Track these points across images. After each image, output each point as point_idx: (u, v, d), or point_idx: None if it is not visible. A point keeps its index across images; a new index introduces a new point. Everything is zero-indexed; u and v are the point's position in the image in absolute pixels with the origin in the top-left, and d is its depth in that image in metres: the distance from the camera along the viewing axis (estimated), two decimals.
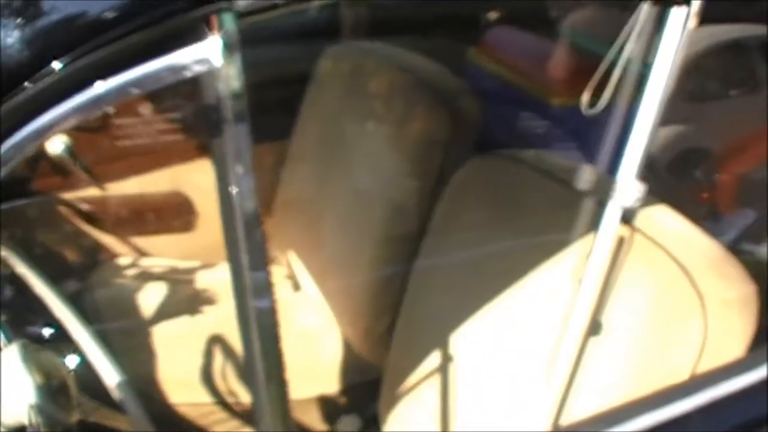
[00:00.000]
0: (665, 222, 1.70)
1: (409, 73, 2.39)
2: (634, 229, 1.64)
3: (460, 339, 1.92)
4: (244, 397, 2.25)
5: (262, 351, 1.04)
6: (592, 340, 1.64)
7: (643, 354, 1.56)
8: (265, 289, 1.05)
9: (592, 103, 1.35)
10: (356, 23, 2.81)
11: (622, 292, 1.61)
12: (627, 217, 1.67)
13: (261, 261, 1.03)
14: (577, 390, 1.64)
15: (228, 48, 1.09)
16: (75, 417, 1.49)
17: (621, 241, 1.64)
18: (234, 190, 1.07)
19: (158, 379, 2.24)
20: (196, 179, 2.75)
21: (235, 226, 1.03)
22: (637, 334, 1.58)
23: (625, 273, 1.62)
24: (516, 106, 2.72)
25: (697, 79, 5.40)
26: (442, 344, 1.95)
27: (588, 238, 1.68)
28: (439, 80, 2.33)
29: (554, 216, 1.71)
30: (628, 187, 1.27)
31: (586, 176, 1.43)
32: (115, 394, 1.75)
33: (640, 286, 1.59)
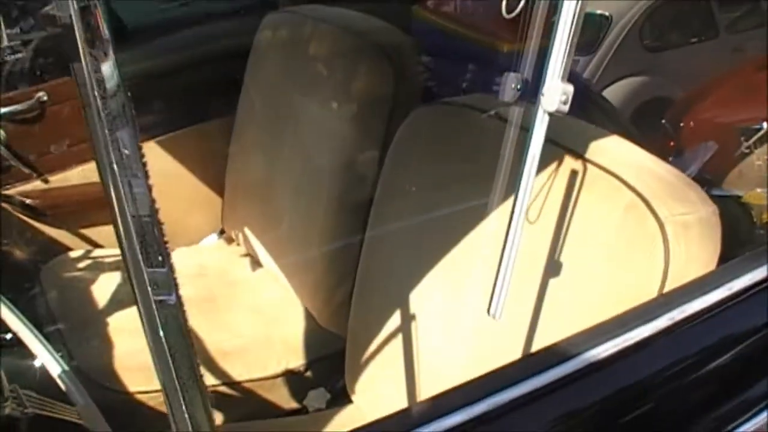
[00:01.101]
0: (618, 151, 1.61)
1: (349, 31, 2.29)
2: (585, 161, 1.56)
3: (418, 297, 1.83)
4: (206, 380, 2.16)
5: (171, 349, 0.93)
6: (553, 281, 1.57)
7: (606, 288, 1.47)
8: (168, 285, 0.93)
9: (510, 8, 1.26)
10: None
11: (580, 227, 1.53)
12: (577, 151, 1.60)
13: (159, 257, 0.91)
14: (542, 333, 1.57)
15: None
16: (8, 408, 1.41)
17: (574, 175, 1.57)
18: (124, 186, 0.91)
19: (115, 369, 2.14)
20: None
21: (127, 223, 0.90)
22: (598, 269, 1.49)
23: (581, 207, 1.53)
24: (465, 58, 2.63)
25: (656, 29, 5.38)
26: (401, 305, 1.87)
27: (546, 171, 1.61)
28: (379, 35, 2.24)
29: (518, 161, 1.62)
30: (552, 89, 1.18)
31: (509, 85, 1.34)
32: (61, 384, 1.67)
33: (597, 219, 1.50)
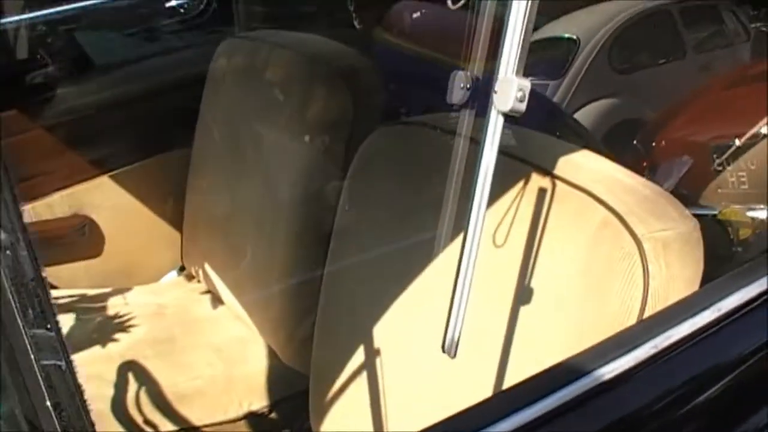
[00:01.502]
0: (588, 166, 1.47)
1: (304, 55, 2.16)
2: (554, 177, 1.42)
3: (382, 331, 1.68)
4: (162, 426, 1.99)
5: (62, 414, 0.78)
6: (524, 309, 1.42)
7: (582, 314, 1.33)
8: (56, 348, 0.78)
9: None
10: (249, 15, 2.57)
11: (551, 249, 1.39)
12: (545, 167, 1.46)
13: (45, 319, 0.76)
14: (514, 367, 1.42)
15: None
16: None
17: (542, 193, 1.42)
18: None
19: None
20: (95, 199, 2.49)
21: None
22: (572, 294, 1.34)
23: (552, 227, 1.39)
24: (427, 77, 2.49)
25: (624, 51, 5.29)
26: (364, 340, 1.71)
27: (512, 191, 1.47)
28: (336, 58, 2.11)
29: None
30: (506, 84, 1.03)
31: (457, 84, 1.20)
32: None
33: (570, 239, 1.36)
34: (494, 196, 1.47)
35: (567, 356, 1.27)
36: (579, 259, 1.34)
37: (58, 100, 2.45)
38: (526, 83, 1.03)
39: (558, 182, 1.41)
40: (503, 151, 1.52)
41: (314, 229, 2.00)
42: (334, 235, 1.86)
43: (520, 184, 1.45)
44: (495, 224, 1.46)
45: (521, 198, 1.44)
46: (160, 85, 2.61)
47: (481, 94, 1.15)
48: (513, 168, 1.48)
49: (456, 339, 1.11)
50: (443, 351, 1.12)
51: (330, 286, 1.87)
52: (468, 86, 1.17)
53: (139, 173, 2.52)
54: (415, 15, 2.69)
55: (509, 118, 1.06)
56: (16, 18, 2.60)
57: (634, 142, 4.10)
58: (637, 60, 5.43)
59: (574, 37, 5.13)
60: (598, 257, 1.31)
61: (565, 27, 5.25)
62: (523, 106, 1.03)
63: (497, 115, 1.05)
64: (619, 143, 4.53)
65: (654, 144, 3.95)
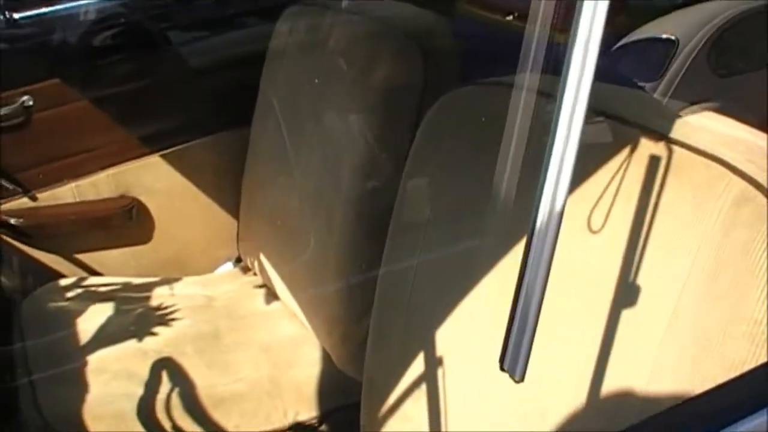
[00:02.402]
0: (712, 127, 1.08)
1: (370, 16, 1.81)
2: (670, 142, 1.03)
3: (445, 338, 1.32)
4: None
5: None
6: (628, 314, 1.03)
7: (705, 327, 0.94)
8: None
9: None
10: None
11: (667, 236, 1.00)
12: (655, 129, 1.07)
13: None
14: (612, 385, 1.03)
15: None
16: None
17: (655, 163, 1.04)
18: None
19: (84, 418, 1.65)
20: (146, 180, 2.17)
21: None
22: (694, 297, 0.96)
23: (667, 207, 1.01)
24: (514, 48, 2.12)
25: (725, 53, 4.80)
26: (424, 347, 1.35)
27: (613, 162, 1.09)
28: (405, 18, 1.76)
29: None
30: None
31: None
32: None
33: (692, 222, 0.97)
34: (589, 168, 1.10)
35: (682, 382, 0.89)
36: (705, 249, 0.95)
37: (106, 70, 2.14)
38: None
39: (675, 148, 1.02)
40: (599, 110, 1.16)
41: (376, 217, 1.64)
42: (393, 223, 1.50)
43: (625, 151, 1.07)
44: (590, 204, 1.09)
45: (626, 170, 1.06)
46: (220, 60, 2.28)
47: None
48: (614, 130, 1.10)
49: (522, 356, 0.73)
50: (501, 369, 0.75)
51: (386, 283, 1.51)
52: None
53: (193, 153, 2.20)
54: None
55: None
56: None
57: None
58: (738, 63, 4.92)
59: (673, 37, 4.66)
60: (732, 246, 0.92)
61: (663, 27, 4.79)
62: None
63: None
64: None
65: None
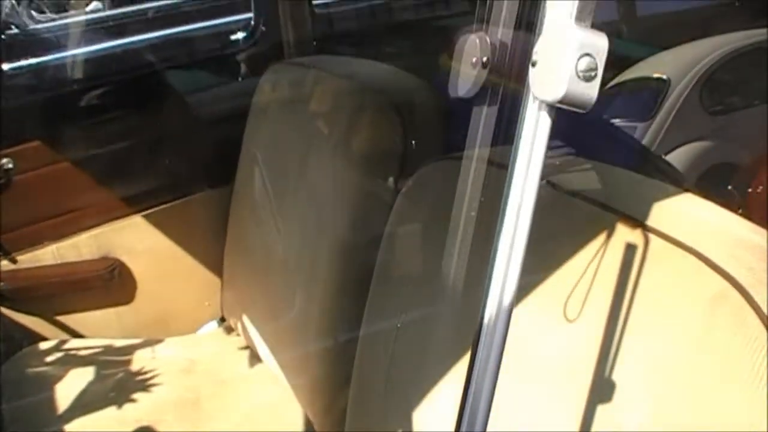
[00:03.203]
0: (693, 214, 1.06)
1: (352, 79, 1.79)
2: (647, 230, 1.00)
3: (428, 406, 1.28)
4: None
5: None
6: (603, 409, 1.00)
7: (683, 427, 0.90)
8: None
9: None
10: (299, 40, 2.20)
11: (643, 331, 0.97)
12: (634, 216, 1.04)
13: None
14: None
15: None
16: None
17: (631, 252, 1.01)
18: None
19: None
20: (128, 241, 2.14)
21: None
22: (672, 396, 0.92)
23: (644, 300, 0.97)
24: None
25: (717, 92, 4.81)
26: (404, 415, 1.31)
27: (588, 249, 1.06)
28: (386, 82, 1.74)
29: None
30: (558, 39, 0.61)
31: (468, 56, 0.78)
32: None
33: (670, 319, 0.94)
34: (565, 253, 1.07)
35: None
36: (684, 346, 0.92)
37: (88, 131, 2.12)
38: (600, 41, 0.61)
39: (652, 236, 0.99)
40: (575, 192, 1.13)
41: (359, 278, 1.61)
42: (373, 285, 1.48)
43: (601, 237, 1.04)
44: (566, 292, 1.05)
45: (602, 257, 1.03)
46: (201, 118, 2.26)
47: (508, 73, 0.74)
48: (590, 215, 1.07)
49: None
50: None
51: (366, 348, 1.49)
52: (484, 61, 0.76)
53: (176, 213, 2.18)
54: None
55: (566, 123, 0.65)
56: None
57: (729, 187, 3.71)
58: (730, 101, 4.93)
59: (664, 77, 4.67)
60: (711, 344, 0.89)
61: (654, 66, 4.80)
62: (590, 91, 0.62)
63: (538, 106, 0.65)
64: (713, 189, 4.10)
65: (750, 189, 3.55)
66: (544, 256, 1.08)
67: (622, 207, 1.05)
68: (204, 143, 2.21)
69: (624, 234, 1.02)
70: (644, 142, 4.51)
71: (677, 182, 2.84)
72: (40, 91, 2.15)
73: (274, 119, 2.02)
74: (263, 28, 2.34)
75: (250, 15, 2.43)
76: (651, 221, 1.01)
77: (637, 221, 1.01)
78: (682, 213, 1.05)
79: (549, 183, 1.16)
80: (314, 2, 2.35)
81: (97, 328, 2.16)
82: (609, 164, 1.24)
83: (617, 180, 1.17)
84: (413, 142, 1.58)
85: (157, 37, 2.62)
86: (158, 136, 2.19)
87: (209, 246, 2.18)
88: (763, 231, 1.02)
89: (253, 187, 2.06)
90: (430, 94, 1.68)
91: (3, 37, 2.54)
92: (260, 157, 2.04)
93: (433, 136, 1.61)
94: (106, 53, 2.33)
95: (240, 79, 2.39)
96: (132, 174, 2.15)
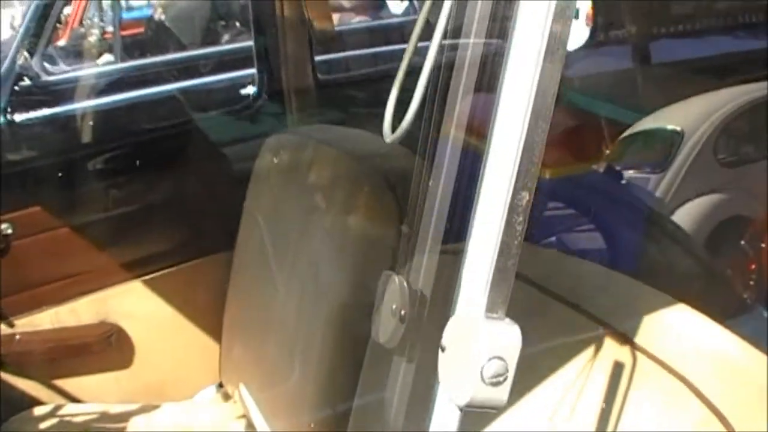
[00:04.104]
0: (682, 330, 1.03)
1: (350, 154, 1.78)
2: (634, 348, 0.98)
3: None
4: None
5: None
6: None
7: None
8: None
9: None
10: (301, 105, 2.21)
11: None
12: (622, 330, 1.02)
13: None
14: None
15: None
16: None
17: (618, 370, 0.98)
18: None
19: None
20: (126, 306, 2.14)
21: None
22: None
23: (632, 419, 0.95)
24: None
25: (730, 144, 4.78)
26: None
27: (575, 362, 1.04)
28: (383, 159, 1.72)
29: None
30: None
31: None
32: None
33: None
34: (552, 366, 1.05)
35: None
36: None
37: (88, 196, 2.12)
38: (513, 338, 0.60)
39: (639, 355, 0.97)
40: (566, 300, 1.12)
41: (355, 350, 1.59)
42: (367, 357, 1.47)
43: (590, 351, 1.02)
44: (553, 405, 1.03)
45: (590, 371, 1.01)
46: (203, 182, 2.26)
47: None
48: (579, 326, 1.06)
49: None
50: None
51: (359, 416, 1.47)
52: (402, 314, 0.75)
53: (176, 279, 2.17)
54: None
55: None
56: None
57: (742, 242, 3.69)
58: (744, 153, 4.90)
59: (678, 128, 4.65)
60: None
61: (668, 118, 4.78)
62: (499, 395, 0.60)
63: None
64: (726, 243, 4.06)
65: (763, 245, 3.52)
66: (532, 363, 1.06)
67: (612, 321, 1.03)
68: (204, 210, 2.20)
69: (613, 350, 1.00)
70: (657, 194, 4.48)
71: (682, 244, 2.82)
72: (41, 154, 2.16)
73: (275, 186, 2.02)
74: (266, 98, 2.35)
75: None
76: (640, 338, 0.99)
77: (627, 337, 0.99)
78: (672, 329, 1.03)
79: (535, 284, 1.15)
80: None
81: (95, 392, 2.15)
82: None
83: (609, 286, 1.15)
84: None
85: (165, 92, 2.64)
86: (158, 203, 2.19)
87: (208, 311, 2.17)
88: (749, 347, 1.00)
89: (253, 253, 2.05)
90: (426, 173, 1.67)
91: (16, 88, 2.57)
92: (261, 223, 2.03)
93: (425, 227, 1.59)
94: (109, 114, 2.33)
95: (242, 143, 2.39)
96: (132, 239, 2.15)
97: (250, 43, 2.49)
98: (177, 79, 2.90)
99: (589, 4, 3.27)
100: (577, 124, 2.27)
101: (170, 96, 2.49)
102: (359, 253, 1.63)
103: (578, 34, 3.50)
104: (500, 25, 0.79)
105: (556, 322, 1.10)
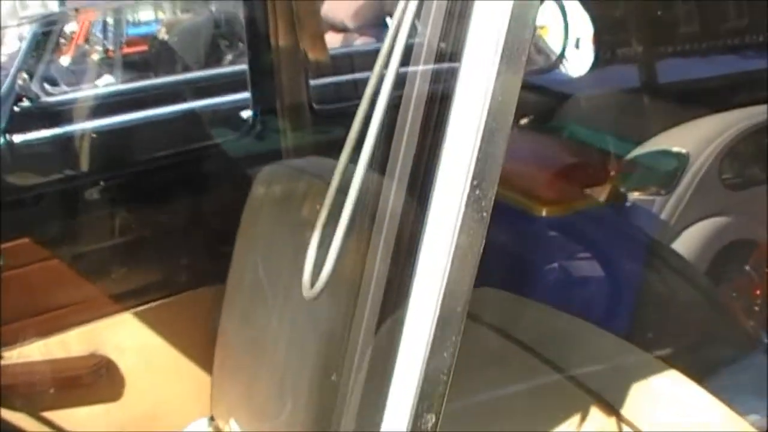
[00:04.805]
0: (669, 398, 0.98)
1: (344, 190, 1.74)
2: (621, 420, 0.93)
3: None
4: None
5: None
6: None
7: None
8: None
9: None
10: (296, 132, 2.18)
11: None
12: (609, 400, 0.97)
13: None
14: None
15: None
16: None
17: None
18: None
19: None
20: (117, 338, 2.10)
21: None
22: None
23: None
24: (495, 222, 2.02)
25: (735, 166, 4.74)
26: None
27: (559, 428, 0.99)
28: (375, 194, 1.68)
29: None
30: None
31: None
32: None
33: None
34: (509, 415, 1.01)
35: None
36: None
37: (78, 227, 2.09)
38: None
39: (625, 427, 0.92)
40: (556, 366, 1.07)
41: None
42: None
43: (575, 419, 0.97)
44: None
45: None
46: (194, 217, 2.23)
47: None
48: (567, 393, 1.01)
49: None
50: None
51: None
52: None
53: (167, 311, 2.14)
54: None
55: None
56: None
57: (746, 267, 3.66)
58: (749, 176, 4.84)
59: (684, 151, 4.61)
60: None
61: (673, 140, 4.73)
62: None
63: None
64: (731, 267, 4.01)
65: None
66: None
67: (600, 389, 0.99)
68: (196, 242, 2.17)
69: (598, 420, 0.95)
70: (663, 216, 4.43)
71: (681, 273, 2.77)
72: (34, 185, 2.13)
73: (268, 218, 1.98)
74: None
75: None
76: (626, 410, 0.94)
77: (613, 408, 0.95)
78: (658, 395, 0.98)
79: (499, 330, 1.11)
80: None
81: (85, 425, 2.12)
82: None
83: (600, 350, 1.11)
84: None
85: (159, 116, 2.62)
86: (150, 234, 2.16)
87: (199, 344, 2.13)
88: (737, 418, 0.95)
89: (245, 286, 2.02)
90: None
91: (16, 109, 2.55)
92: (254, 256, 2.00)
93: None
94: (101, 142, 2.31)
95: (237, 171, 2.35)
96: (123, 271, 2.12)
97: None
98: (175, 102, 2.87)
99: (592, 31, 3.23)
100: (577, 159, 2.22)
101: (164, 121, 2.46)
102: (351, 288, 1.59)
103: (583, 60, 3.46)
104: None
105: (519, 370, 1.07)
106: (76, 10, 2.79)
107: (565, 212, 2.00)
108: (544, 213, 1.93)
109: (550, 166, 2.14)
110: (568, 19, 3.28)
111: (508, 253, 1.88)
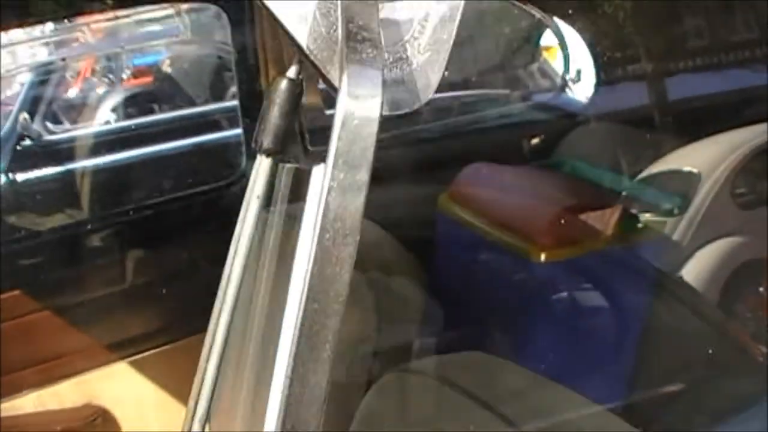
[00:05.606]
0: None
1: None
2: None
3: None
4: None
5: None
6: None
7: None
8: None
9: None
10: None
11: None
12: None
13: None
14: None
15: None
16: None
17: None
18: None
19: None
20: (112, 389, 2.06)
21: None
22: None
23: None
24: (491, 268, 1.95)
25: (748, 185, 4.67)
26: None
27: None
28: (369, 250, 1.63)
29: None
30: None
31: None
32: None
33: None
34: None
35: None
36: None
37: (71, 278, 2.06)
38: None
39: None
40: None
41: None
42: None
43: None
44: None
45: None
46: (188, 263, 2.19)
47: None
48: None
49: None
50: None
51: None
52: None
53: (161, 360, 2.10)
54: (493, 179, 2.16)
55: None
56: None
57: (760, 289, 3.60)
58: (761, 194, 4.77)
59: (695, 170, 4.55)
60: None
61: (685, 159, 4.66)
62: None
63: None
64: (743, 289, 3.94)
65: None
66: None
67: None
68: (192, 289, 2.12)
69: None
70: (674, 237, 4.36)
71: (687, 304, 2.70)
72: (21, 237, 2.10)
73: (261, 263, 1.94)
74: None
75: None
76: None
77: None
78: None
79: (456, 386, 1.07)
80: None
81: None
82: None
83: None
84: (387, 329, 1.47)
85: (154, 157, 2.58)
86: (145, 282, 2.12)
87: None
88: None
89: (240, 332, 1.97)
90: (411, 271, 1.59)
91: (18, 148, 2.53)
92: (248, 302, 1.96)
93: (406, 325, 1.50)
94: (93, 188, 2.28)
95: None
96: (118, 321, 2.08)
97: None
98: (175, 139, 2.84)
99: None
100: (577, 200, 2.16)
101: (159, 164, 2.43)
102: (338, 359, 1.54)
103: (586, 87, 3.39)
104: None
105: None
106: (63, 59, 2.78)
107: (564, 257, 1.94)
108: (542, 258, 1.87)
109: (548, 206, 2.08)
110: (567, 42, 3.23)
111: (506, 302, 1.83)
